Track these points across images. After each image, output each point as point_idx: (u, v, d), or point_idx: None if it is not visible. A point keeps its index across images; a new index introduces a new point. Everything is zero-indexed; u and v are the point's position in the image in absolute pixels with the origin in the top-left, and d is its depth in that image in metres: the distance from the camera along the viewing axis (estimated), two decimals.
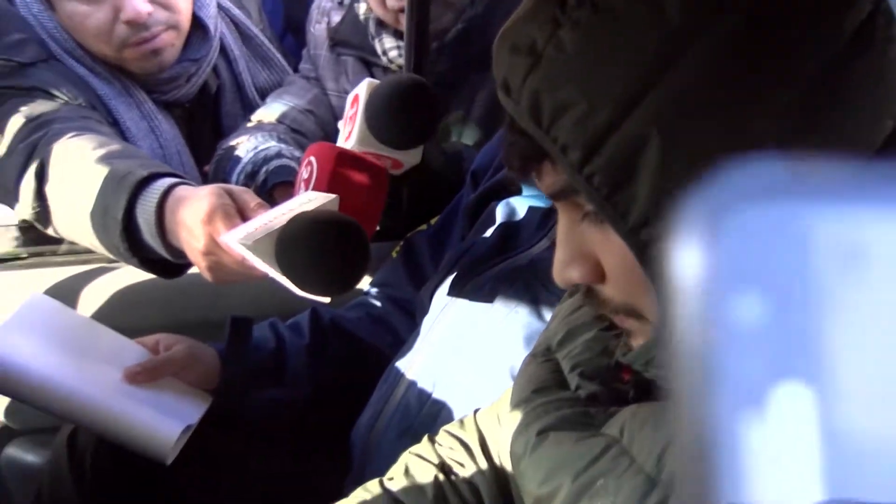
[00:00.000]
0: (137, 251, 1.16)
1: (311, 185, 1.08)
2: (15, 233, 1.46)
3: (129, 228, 1.13)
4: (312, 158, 1.09)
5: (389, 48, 1.67)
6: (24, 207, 1.31)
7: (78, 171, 1.23)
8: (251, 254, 0.93)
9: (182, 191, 1.10)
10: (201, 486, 1.17)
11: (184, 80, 1.64)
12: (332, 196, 1.01)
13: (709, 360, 0.16)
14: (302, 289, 0.95)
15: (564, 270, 0.63)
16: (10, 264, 1.44)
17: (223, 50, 1.72)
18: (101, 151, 1.24)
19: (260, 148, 1.58)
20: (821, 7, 0.53)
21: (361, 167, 1.07)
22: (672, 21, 0.52)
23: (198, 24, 1.63)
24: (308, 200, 1.00)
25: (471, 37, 1.63)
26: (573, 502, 0.64)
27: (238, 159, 1.58)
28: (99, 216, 1.16)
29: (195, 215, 1.03)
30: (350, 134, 1.14)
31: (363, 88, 1.13)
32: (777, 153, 0.50)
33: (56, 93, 1.44)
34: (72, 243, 1.40)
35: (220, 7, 1.73)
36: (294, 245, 0.91)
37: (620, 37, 0.53)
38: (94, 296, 1.44)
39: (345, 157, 1.07)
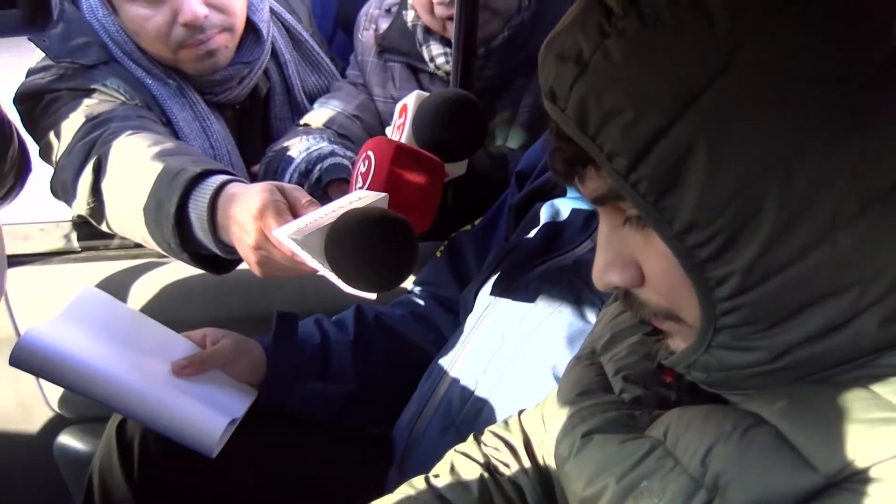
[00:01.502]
0: (188, 246, 1.18)
1: (369, 179, 1.09)
2: (68, 229, 1.50)
3: (181, 224, 1.16)
4: (370, 153, 1.10)
5: (437, 55, 1.69)
6: (80, 203, 1.34)
7: (133, 167, 1.26)
8: (301, 249, 0.94)
9: (234, 187, 1.12)
10: (246, 476, 1.19)
11: (236, 81, 1.67)
12: (383, 194, 1.03)
13: None
14: (350, 284, 0.95)
15: (605, 274, 0.64)
16: (64, 258, 1.48)
17: (274, 53, 1.75)
18: (156, 149, 1.27)
19: (313, 148, 1.60)
20: (869, 9, 0.53)
21: (419, 162, 1.07)
22: (719, 29, 0.52)
23: (251, 27, 1.67)
24: (358, 199, 1.01)
25: (517, 43, 1.64)
26: (618, 503, 0.65)
27: (291, 159, 1.60)
28: (152, 211, 1.19)
29: (247, 211, 1.05)
30: None
31: (412, 100, 1.14)
32: (822, 158, 0.51)
33: (115, 93, 1.49)
34: (123, 239, 1.43)
35: (272, 11, 1.76)
36: (343, 241, 0.92)
37: (668, 45, 0.54)
38: (144, 290, 1.47)
39: (403, 152, 1.07)
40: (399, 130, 1.16)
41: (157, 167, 1.21)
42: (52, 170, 1.42)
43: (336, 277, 0.96)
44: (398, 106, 1.18)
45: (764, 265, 0.54)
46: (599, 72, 0.55)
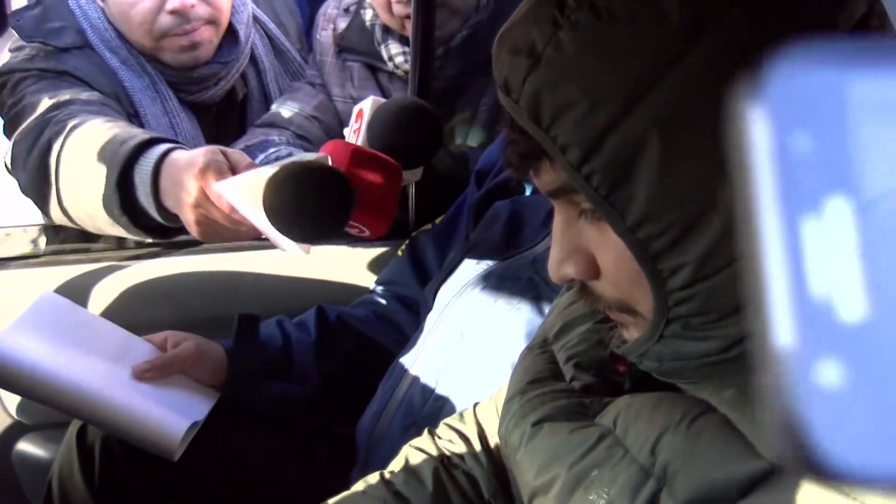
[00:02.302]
0: (129, 212, 1.19)
1: None
2: (33, 234, 1.49)
3: (124, 187, 1.17)
4: (327, 156, 1.11)
5: (395, 54, 1.69)
6: (28, 182, 1.35)
7: (83, 142, 1.27)
8: (239, 197, 0.98)
9: (179, 153, 1.15)
10: (208, 479, 1.18)
11: (212, 82, 1.68)
12: (323, 154, 1.04)
13: (769, 181, 0.21)
14: (286, 233, 0.98)
15: (560, 267, 0.64)
16: (23, 263, 1.46)
17: (254, 59, 1.77)
18: (108, 125, 1.28)
19: (271, 151, 1.60)
20: (819, 6, 0.53)
21: (376, 164, 1.09)
22: (672, 21, 0.52)
23: (230, 28, 1.69)
24: (298, 158, 1.04)
25: (476, 42, 1.64)
26: (569, 493, 0.65)
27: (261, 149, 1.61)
28: (99, 178, 1.20)
29: (189, 170, 1.07)
30: None
31: (367, 105, 1.14)
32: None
33: (84, 79, 1.50)
34: (87, 241, 1.43)
35: (255, 19, 1.79)
36: (280, 186, 0.95)
37: (620, 37, 0.53)
38: (104, 294, 1.46)
39: (360, 154, 1.08)
40: (356, 135, 1.16)
41: (106, 137, 1.22)
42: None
43: (271, 229, 0.98)
44: (354, 110, 1.18)
45: (716, 257, 0.54)
46: (552, 64, 0.55)
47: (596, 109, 0.53)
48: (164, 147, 1.16)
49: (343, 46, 1.76)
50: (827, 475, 0.20)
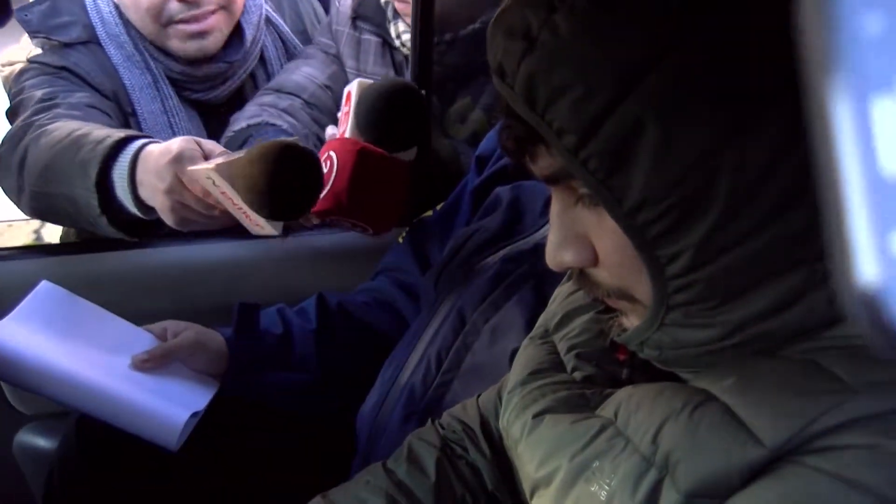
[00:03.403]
0: (109, 210, 1.22)
1: (331, 181, 1.11)
2: (35, 225, 1.49)
3: (103, 184, 1.20)
4: (332, 154, 1.10)
5: (403, 31, 1.67)
6: (8, 184, 1.38)
7: (59, 141, 1.28)
8: (213, 180, 1.01)
9: (155, 145, 1.17)
10: (208, 469, 1.18)
11: (218, 81, 1.68)
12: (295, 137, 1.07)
13: (838, 60, 0.21)
14: (254, 209, 1.01)
15: (557, 253, 0.63)
16: (21, 253, 1.46)
17: (263, 61, 1.76)
18: (87, 127, 1.30)
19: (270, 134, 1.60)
20: None
21: (381, 164, 1.08)
22: (670, 5, 0.51)
23: (238, 28, 1.68)
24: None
25: (485, 36, 1.62)
26: (570, 484, 0.65)
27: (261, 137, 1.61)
28: (77, 177, 1.22)
29: (163, 158, 1.10)
30: (342, 133, 1.15)
31: (354, 88, 1.14)
32: (775, 135, 0.50)
33: (83, 76, 1.51)
34: (80, 233, 1.42)
35: (268, 21, 1.77)
36: (253, 164, 0.98)
37: (617, 20, 0.53)
38: (104, 284, 1.45)
39: (366, 155, 1.08)
40: (345, 119, 1.16)
41: (84, 137, 1.24)
42: None
43: (243, 213, 1.02)
44: (344, 92, 1.18)
45: (715, 243, 0.53)
46: (547, 48, 0.54)
47: (592, 94, 0.52)
48: (140, 142, 1.19)
49: (359, 14, 1.73)
50: None
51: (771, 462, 0.53)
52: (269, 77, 1.77)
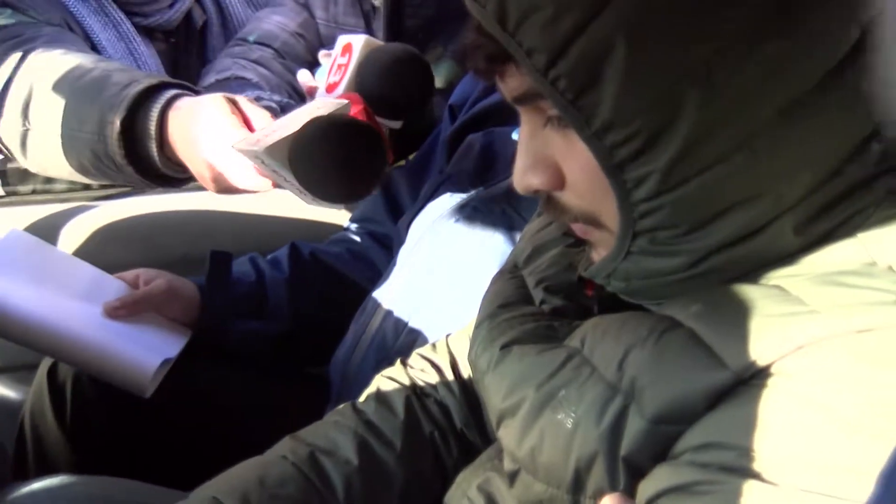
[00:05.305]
0: (133, 162, 1.12)
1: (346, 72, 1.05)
2: None
3: (128, 138, 1.10)
4: (351, 42, 1.07)
5: None
6: (8, 128, 1.26)
7: (71, 84, 1.19)
8: (263, 161, 0.91)
9: (185, 101, 1.08)
10: (181, 416, 1.18)
11: (167, 3, 1.61)
12: (344, 101, 0.98)
13: None
14: (317, 196, 0.92)
15: (525, 176, 0.63)
16: None
17: None
18: (101, 65, 1.20)
19: (247, 93, 1.57)
20: None
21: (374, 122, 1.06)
22: None
23: None
24: (318, 107, 0.97)
25: None
26: (536, 413, 0.64)
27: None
28: (95, 124, 1.12)
29: (200, 124, 1.01)
30: (337, 85, 1.12)
31: (359, 44, 1.09)
32: (745, 59, 0.50)
33: (29, 10, 1.41)
34: (48, 182, 1.39)
35: None
36: (308, 148, 0.89)
37: None
38: (74, 234, 1.44)
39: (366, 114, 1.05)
40: (340, 71, 1.13)
41: (102, 81, 1.15)
42: None
43: (300, 189, 0.92)
44: (340, 41, 1.15)
45: (682, 167, 0.53)
46: None
47: (562, 13, 0.52)
48: (167, 94, 1.09)
49: None
50: None
51: (735, 385, 0.53)
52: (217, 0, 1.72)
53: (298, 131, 0.89)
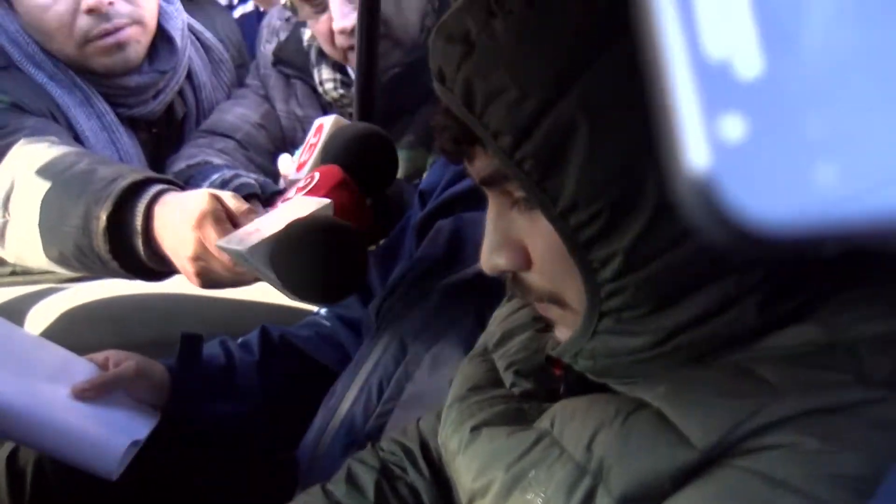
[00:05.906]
0: (118, 257, 1.13)
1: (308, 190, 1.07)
2: None
3: (113, 233, 1.11)
4: (316, 172, 1.09)
5: (326, 79, 1.69)
6: None
7: (56, 178, 1.20)
8: (247, 260, 0.92)
9: (172, 196, 1.09)
10: (148, 501, 1.16)
11: (151, 94, 1.63)
12: (326, 201, 1.00)
13: None
14: (298, 296, 0.94)
15: (491, 257, 0.65)
16: None
17: (190, 76, 1.73)
18: (84, 160, 1.21)
19: (215, 177, 1.59)
20: None
21: (354, 203, 1.07)
22: (600, 8, 0.54)
23: (164, 35, 1.64)
24: (301, 206, 0.99)
25: (418, 72, 1.64)
26: (507, 494, 0.65)
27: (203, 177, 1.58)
28: (80, 219, 1.13)
29: (185, 220, 1.02)
30: (305, 164, 1.15)
31: (329, 123, 1.13)
32: None
33: (15, 101, 1.43)
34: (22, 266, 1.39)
35: (191, 29, 1.74)
36: (291, 251, 0.90)
37: (550, 24, 0.55)
38: (44, 316, 1.44)
39: (346, 184, 1.07)
40: (310, 151, 1.16)
41: (88, 175, 1.16)
42: None
43: (283, 288, 0.93)
44: (315, 123, 1.18)
45: (645, 248, 0.55)
46: (485, 51, 0.56)
47: (527, 95, 0.54)
48: (153, 189, 1.11)
49: (280, 58, 1.75)
50: (736, 226, 0.20)
51: (702, 465, 0.54)
52: (195, 91, 1.75)
53: (281, 233, 0.91)
